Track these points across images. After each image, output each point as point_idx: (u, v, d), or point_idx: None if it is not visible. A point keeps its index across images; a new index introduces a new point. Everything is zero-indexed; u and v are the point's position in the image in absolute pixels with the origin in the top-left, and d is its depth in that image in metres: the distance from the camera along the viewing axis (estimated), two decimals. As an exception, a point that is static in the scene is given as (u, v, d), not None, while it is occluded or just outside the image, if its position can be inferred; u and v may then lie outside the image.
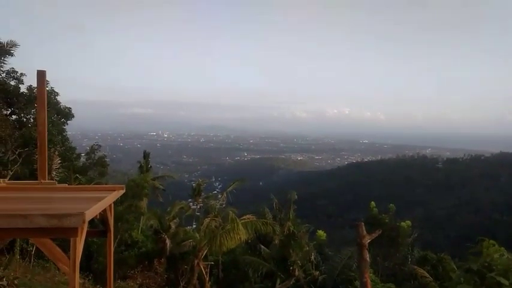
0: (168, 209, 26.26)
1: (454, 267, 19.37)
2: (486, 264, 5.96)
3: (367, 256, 8.41)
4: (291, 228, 21.73)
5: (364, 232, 8.56)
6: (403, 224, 21.96)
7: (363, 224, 8.79)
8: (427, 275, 17.73)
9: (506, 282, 5.50)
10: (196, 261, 19.41)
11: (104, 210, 5.58)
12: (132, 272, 20.07)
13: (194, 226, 27.74)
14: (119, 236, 20.99)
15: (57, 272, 14.60)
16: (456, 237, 78.34)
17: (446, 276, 18.57)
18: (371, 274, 19.64)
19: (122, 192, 6.19)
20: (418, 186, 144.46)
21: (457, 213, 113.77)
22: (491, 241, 6.25)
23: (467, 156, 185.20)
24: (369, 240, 8.60)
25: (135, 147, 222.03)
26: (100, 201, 4.73)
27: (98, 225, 8.22)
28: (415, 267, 18.96)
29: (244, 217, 19.33)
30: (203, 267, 20.38)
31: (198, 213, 26.81)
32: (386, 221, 21.87)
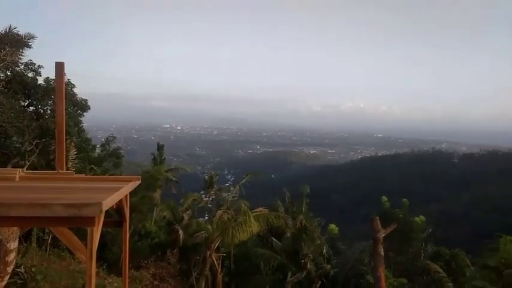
0: (181, 201, 26.50)
1: (468, 263, 19.16)
2: (503, 260, 5.88)
3: (382, 251, 8.36)
4: (303, 222, 21.75)
5: (379, 226, 8.50)
6: (416, 219, 21.73)
7: (377, 218, 8.73)
8: (440, 270, 17.59)
9: (524, 280, 5.42)
10: (208, 253, 19.58)
11: (120, 201, 5.66)
12: (145, 262, 20.36)
13: (206, 218, 27.95)
14: (132, 227, 21.27)
15: (73, 260, 14.92)
16: (471, 233, 77.13)
17: (460, 272, 18.39)
18: (383, 269, 19.59)
19: (138, 183, 6.26)
20: (433, 182, 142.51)
21: (472, 209, 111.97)
22: (509, 237, 6.16)
23: (483, 152, 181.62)
24: (383, 235, 8.54)
25: (149, 139, 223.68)
26: (117, 192, 4.79)
27: (113, 216, 8.35)
28: (428, 262, 18.82)
29: (256, 210, 19.36)
30: (215, 258, 20.56)
31: (211, 206, 26.98)
32: (400, 216, 21.67)
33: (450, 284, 17.26)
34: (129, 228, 20.92)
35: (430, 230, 23.10)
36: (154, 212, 25.58)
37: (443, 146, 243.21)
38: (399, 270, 21.51)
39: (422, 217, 22.07)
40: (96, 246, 4.31)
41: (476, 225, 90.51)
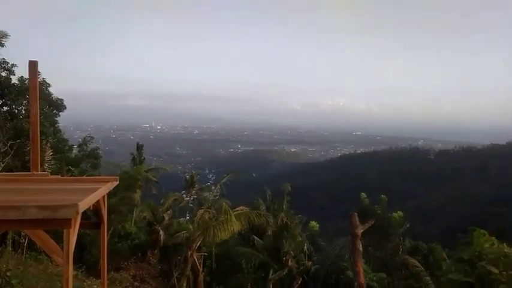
0: (162, 201, 26.27)
1: (445, 256, 19.68)
2: (477, 253, 6.06)
3: (360, 246, 8.51)
4: (284, 220, 21.88)
5: (357, 222, 8.65)
6: (394, 214, 22.17)
7: (356, 214, 8.88)
8: (418, 264, 18.00)
9: (496, 271, 5.61)
10: (189, 252, 19.47)
11: (98, 202, 5.56)
12: (125, 263, 20.10)
13: (188, 218, 27.78)
14: (112, 228, 20.95)
15: (50, 263, 14.58)
16: (447, 228, 79.39)
17: (437, 266, 18.87)
18: (363, 264, 19.90)
19: (116, 184, 6.17)
20: (409, 178, 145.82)
21: (447, 204, 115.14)
22: (482, 231, 6.36)
23: (458, 148, 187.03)
24: (362, 230, 8.69)
25: (128, 139, 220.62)
26: (94, 193, 4.71)
27: (91, 217, 8.20)
28: (407, 257, 19.22)
29: (237, 209, 19.36)
30: (196, 258, 20.47)
31: (192, 205, 26.82)
32: (379, 212, 22.07)
33: (428, 278, 17.70)
34: (108, 230, 20.67)
35: (408, 225, 23.59)
36: (134, 212, 25.26)
37: (419, 143, 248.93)
38: (378, 265, 21.93)
39: (400, 213, 22.52)
40: (73, 249, 4.23)
41: (452, 220, 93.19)
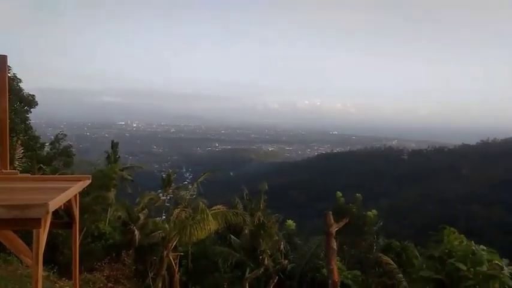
0: (137, 200, 25.88)
1: (417, 254, 20.18)
2: (446, 251, 6.24)
3: (334, 244, 8.62)
4: (261, 219, 21.95)
5: (332, 221, 8.77)
6: (369, 213, 22.54)
7: (330, 213, 8.99)
8: (391, 262, 18.36)
9: (464, 268, 5.79)
10: (165, 252, 19.25)
11: (69, 201, 5.43)
12: (99, 264, 19.68)
13: (164, 217, 27.47)
14: (85, 228, 20.57)
15: (20, 265, 14.11)
16: (419, 226, 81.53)
17: (409, 263, 19.32)
18: (338, 262, 20.19)
19: (88, 182, 6.04)
20: (384, 177, 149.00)
21: (420, 203, 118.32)
22: (452, 229, 6.56)
23: (431, 148, 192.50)
24: (336, 229, 8.82)
25: (103, 137, 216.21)
26: (64, 192, 4.59)
27: (63, 217, 7.99)
28: (380, 255, 19.58)
29: (214, 207, 19.28)
30: (172, 258, 20.26)
31: (168, 204, 26.56)
32: (354, 210, 22.40)
33: (400, 275, 18.09)
34: (81, 230, 20.22)
35: (381, 224, 24.06)
36: (109, 212, 24.86)
37: (394, 143, 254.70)
38: (353, 262, 22.32)
39: (374, 211, 22.92)
40: (43, 249, 4.11)
41: (425, 218, 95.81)
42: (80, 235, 19.51)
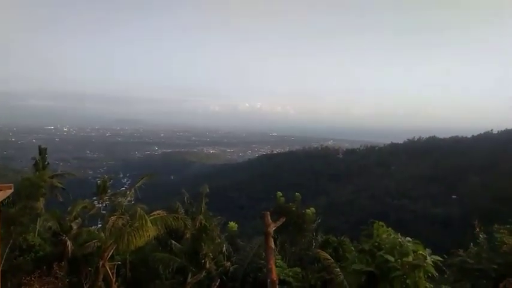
0: (69, 209, 24.47)
1: (352, 248, 21.20)
2: (376, 244, 6.66)
3: (273, 243, 8.80)
4: (203, 222, 21.71)
5: (270, 221, 8.94)
6: (308, 211, 23.24)
7: (268, 213, 9.17)
8: (329, 257, 19.04)
9: (392, 259, 6.21)
10: (101, 262, 18.33)
11: (-12, 214, 5.00)
12: (27, 278, 18.30)
13: (100, 225, 26.24)
14: (11, 241, 19.25)
15: None
16: (355, 221, 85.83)
17: (345, 258, 20.23)
18: (279, 260, 20.61)
19: (10, 192, 5.60)
20: (321, 176, 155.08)
21: (355, 199, 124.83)
22: (381, 223, 7.01)
23: (363, 147, 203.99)
24: (274, 228, 9.00)
25: (30, 143, 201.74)
26: (-19, 204, 4.21)
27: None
28: (319, 251, 20.25)
29: (154, 213, 18.73)
30: (109, 268, 19.35)
31: (104, 212, 25.39)
32: (293, 209, 22.98)
33: (338, 270, 18.83)
34: (7, 243, 18.69)
35: (320, 220, 24.92)
36: (38, 223, 23.36)
37: (330, 143, 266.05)
38: (294, 260, 22.90)
39: (312, 209, 23.69)
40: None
41: (359, 213, 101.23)
42: (5, 249, 18.03)
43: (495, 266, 9.75)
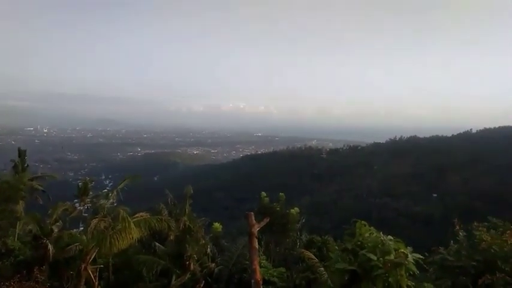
0: (49, 212, 24.02)
1: (336, 248, 21.41)
2: (359, 243, 6.75)
3: (257, 244, 8.81)
4: (187, 223, 21.57)
5: (253, 221, 8.96)
6: (292, 211, 23.38)
7: (252, 214, 9.18)
8: (313, 257, 19.20)
9: (375, 258, 6.30)
10: (83, 266, 18.02)
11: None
12: (7, 283, 17.87)
13: (81, 228, 25.84)
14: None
15: None
16: (338, 220, 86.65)
17: (329, 257, 20.41)
18: (264, 260, 20.66)
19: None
20: (305, 175, 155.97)
21: (338, 198, 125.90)
22: (363, 221, 7.10)
23: (346, 147, 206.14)
24: (258, 229, 9.01)
25: (9, 144, 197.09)
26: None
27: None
28: (303, 250, 20.39)
29: (137, 215, 18.50)
30: (91, 271, 19.04)
31: (86, 214, 25.00)
32: (278, 209, 23.07)
33: (322, 269, 18.99)
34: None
35: (304, 220, 25.10)
36: (17, 226, 22.87)
37: (313, 142, 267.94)
38: (278, 260, 23.00)
39: (296, 209, 23.85)
40: None
41: (342, 212, 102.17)
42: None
43: (474, 263, 9.98)
